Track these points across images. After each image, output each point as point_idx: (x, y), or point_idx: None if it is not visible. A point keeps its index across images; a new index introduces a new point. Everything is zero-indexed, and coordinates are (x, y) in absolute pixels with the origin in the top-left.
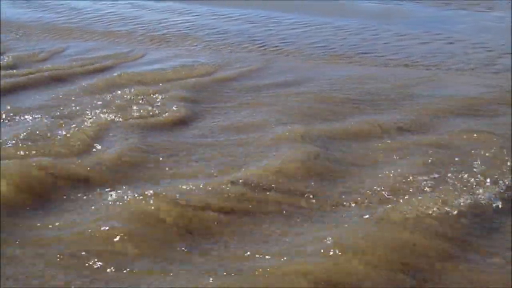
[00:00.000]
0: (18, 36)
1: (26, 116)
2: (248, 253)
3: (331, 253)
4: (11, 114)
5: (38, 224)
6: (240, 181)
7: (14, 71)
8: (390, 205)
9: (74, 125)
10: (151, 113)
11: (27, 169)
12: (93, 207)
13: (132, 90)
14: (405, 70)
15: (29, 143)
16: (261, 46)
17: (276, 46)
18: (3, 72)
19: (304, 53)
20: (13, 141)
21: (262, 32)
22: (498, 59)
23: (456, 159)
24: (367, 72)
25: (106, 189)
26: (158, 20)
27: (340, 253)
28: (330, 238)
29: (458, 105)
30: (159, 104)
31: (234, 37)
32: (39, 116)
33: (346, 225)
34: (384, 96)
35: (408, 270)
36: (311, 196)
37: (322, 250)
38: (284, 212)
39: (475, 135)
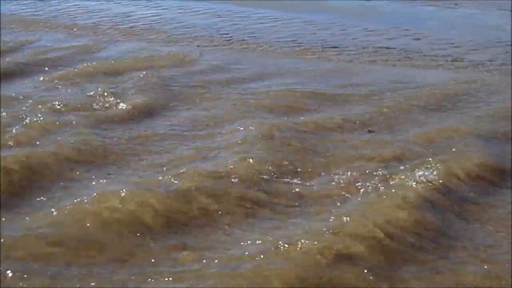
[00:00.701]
0: None
1: None
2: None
3: None
4: None
5: None
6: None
7: None
8: None
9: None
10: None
11: None
12: None
13: (95, 82)
14: (371, 66)
15: None
16: (228, 40)
17: (243, 40)
18: None
19: (272, 48)
20: None
21: (229, 27)
22: (465, 55)
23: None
24: (333, 67)
25: None
26: (125, 13)
27: None
28: None
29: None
30: (120, 96)
31: (202, 31)
32: None
33: None
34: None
35: None
36: None
37: None
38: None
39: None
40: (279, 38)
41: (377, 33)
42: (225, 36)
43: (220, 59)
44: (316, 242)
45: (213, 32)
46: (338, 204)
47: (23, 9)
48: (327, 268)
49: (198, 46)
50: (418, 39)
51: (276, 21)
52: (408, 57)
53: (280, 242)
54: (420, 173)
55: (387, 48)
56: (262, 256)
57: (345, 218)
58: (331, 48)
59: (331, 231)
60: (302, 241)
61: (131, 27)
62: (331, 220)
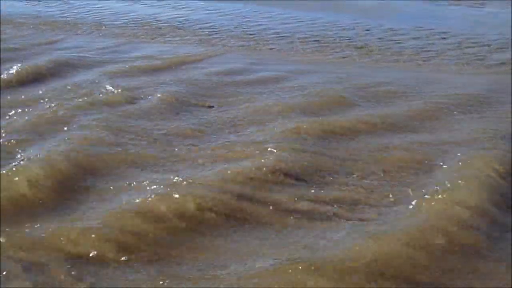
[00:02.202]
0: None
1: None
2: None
3: None
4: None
5: None
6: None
7: None
8: None
9: None
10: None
11: None
12: None
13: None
14: (397, 65)
15: None
16: (254, 40)
17: (268, 41)
18: None
19: (297, 48)
20: None
21: (255, 27)
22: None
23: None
24: (358, 67)
25: None
26: (151, 15)
27: None
28: None
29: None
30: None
31: (228, 32)
32: None
33: None
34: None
35: None
36: None
37: None
38: None
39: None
40: (304, 38)
41: (402, 33)
42: (250, 36)
43: (246, 59)
44: None
45: (239, 32)
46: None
47: (52, 10)
48: None
49: (223, 46)
50: (444, 38)
51: (300, 21)
52: (434, 57)
53: None
54: None
55: (412, 47)
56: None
57: None
58: (356, 49)
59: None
60: None
61: (158, 28)
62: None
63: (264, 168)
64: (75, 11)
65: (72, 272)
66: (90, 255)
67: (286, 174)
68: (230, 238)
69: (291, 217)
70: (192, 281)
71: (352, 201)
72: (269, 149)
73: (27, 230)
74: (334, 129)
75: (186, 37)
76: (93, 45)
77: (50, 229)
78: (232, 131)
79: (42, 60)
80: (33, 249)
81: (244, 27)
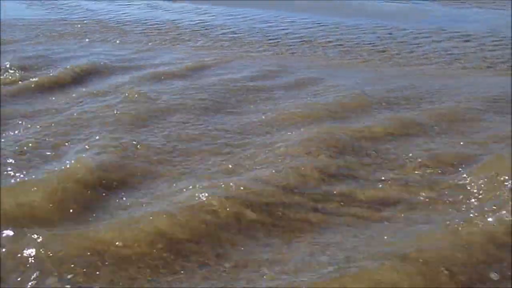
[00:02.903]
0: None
1: None
2: None
3: None
4: None
5: None
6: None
7: None
8: None
9: None
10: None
11: None
12: None
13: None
14: (420, 69)
15: None
16: (275, 45)
17: (291, 45)
18: None
19: (319, 53)
20: None
21: (277, 32)
22: None
23: None
24: (381, 71)
25: None
26: (172, 21)
27: None
28: None
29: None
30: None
31: (249, 37)
32: None
33: None
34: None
35: None
36: None
37: None
38: None
39: None
40: (326, 43)
41: (424, 36)
42: (272, 41)
43: (268, 65)
44: None
45: (261, 37)
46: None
47: (74, 17)
48: None
49: (246, 51)
50: (467, 40)
51: (322, 25)
52: (457, 59)
53: None
54: None
55: (435, 51)
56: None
57: None
58: (379, 52)
59: None
60: None
61: (179, 34)
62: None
63: (291, 174)
64: (98, 18)
65: None
66: None
67: (315, 179)
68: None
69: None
70: None
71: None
72: (295, 154)
73: None
74: (360, 133)
75: (208, 43)
76: (115, 52)
77: None
78: (257, 137)
79: (65, 68)
80: None
81: (266, 32)
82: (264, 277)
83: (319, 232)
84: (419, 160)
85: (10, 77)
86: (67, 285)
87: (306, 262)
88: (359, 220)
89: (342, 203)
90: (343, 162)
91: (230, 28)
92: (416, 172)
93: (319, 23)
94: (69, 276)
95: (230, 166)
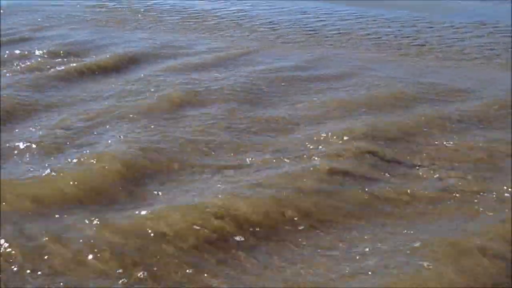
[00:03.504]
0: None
1: None
2: None
3: None
4: None
5: None
6: None
7: None
8: None
9: None
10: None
11: None
12: None
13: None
14: (459, 64)
15: None
16: (313, 37)
17: (328, 37)
18: None
19: (357, 45)
20: None
21: (314, 23)
22: None
23: None
24: (420, 65)
25: None
26: (209, 10)
27: None
28: None
29: None
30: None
31: (287, 28)
32: None
33: None
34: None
35: None
36: None
37: None
38: None
39: None
40: (364, 35)
41: (465, 30)
42: (310, 32)
43: (305, 56)
44: None
45: (298, 28)
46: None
47: (112, 5)
48: None
49: (282, 42)
50: (509, 36)
51: (360, 17)
52: (498, 55)
53: None
54: None
55: (476, 46)
56: None
57: None
58: (417, 46)
59: None
60: None
61: (216, 23)
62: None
63: (327, 167)
64: (135, 6)
65: None
66: None
67: (351, 173)
68: None
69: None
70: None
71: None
72: (332, 147)
73: None
74: (400, 127)
75: (245, 33)
76: (153, 40)
77: None
78: (294, 129)
79: (105, 55)
80: None
81: (304, 23)
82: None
83: None
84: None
85: (50, 63)
86: None
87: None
88: None
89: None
90: (387, 153)
91: (268, 19)
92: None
93: (357, 15)
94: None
95: (273, 158)
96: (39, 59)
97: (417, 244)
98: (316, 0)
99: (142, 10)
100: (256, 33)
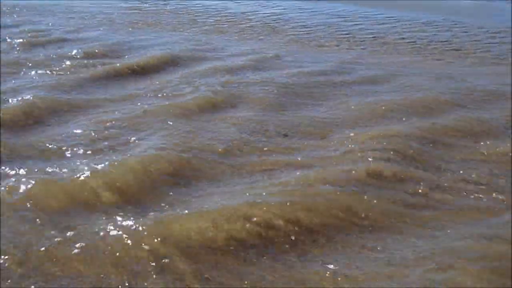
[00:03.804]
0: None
1: None
2: None
3: None
4: None
5: None
6: None
7: None
8: None
9: None
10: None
11: None
12: None
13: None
14: (495, 69)
15: None
16: (348, 41)
17: (364, 41)
18: None
19: (393, 49)
20: None
21: (350, 27)
22: None
23: None
24: (455, 70)
25: None
26: (244, 13)
27: None
28: None
29: None
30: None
31: (321, 31)
32: None
33: None
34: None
35: None
36: None
37: None
38: None
39: None
40: (399, 39)
41: (502, 35)
42: (344, 36)
43: (339, 59)
44: None
45: (333, 31)
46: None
47: (148, 6)
48: None
49: (317, 46)
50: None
51: (397, 21)
52: None
53: None
54: None
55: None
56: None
57: None
58: (452, 51)
59: None
60: None
61: (250, 26)
62: None
63: (365, 170)
64: (170, 8)
65: None
66: None
67: (388, 176)
68: None
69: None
70: None
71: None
72: (371, 151)
73: None
74: (435, 131)
75: (279, 36)
76: (187, 42)
77: None
78: (328, 132)
79: (142, 57)
80: None
81: (339, 26)
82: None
83: None
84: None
85: (87, 64)
86: None
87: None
88: None
89: None
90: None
91: (301, 22)
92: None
93: (392, 19)
94: None
95: (311, 161)
96: (77, 60)
97: None
98: (349, 3)
99: (176, 12)
100: (289, 36)
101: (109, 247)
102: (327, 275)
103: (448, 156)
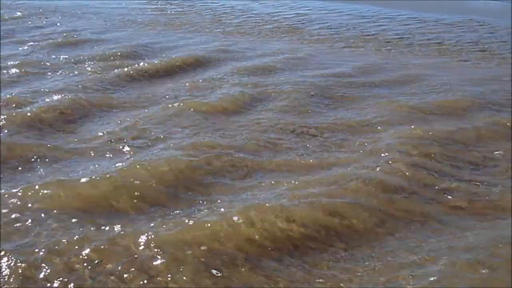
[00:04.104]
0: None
1: None
2: None
3: None
4: None
5: None
6: None
7: None
8: None
9: None
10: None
11: None
12: None
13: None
14: None
15: None
16: (372, 42)
17: (388, 42)
18: None
19: (417, 50)
20: None
21: (374, 27)
22: None
23: None
24: (483, 72)
25: None
26: (269, 14)
27: None
28: None
29: None
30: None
31: (346, 32)
32: None
33: None
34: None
35: None
36: None
37: None
38: None
39: None
40: (424, 40)
41: None
42: (369, 37)
43: (364, 61)
44: None
45: (358, 32)
46: None
47: (173, 7)
48: None
49: (342, 47)
50: None
51: (422, 22)
52: None
53: None
54: None
55: None
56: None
57: None
58: (479, 52)
59: None
60: None
61: (275, 27)
62: None
63: (390, 171)
64: (195, 9)
65: None
66: None
67: (415, 178)
68: None
69: None
70: None
71: None
72: (398, 152)
73: None
74: (460, 133)
75: (304, 37)
76: (213, 43)
77: None
78: (356, 134)
79: (170, 57)
80: None
81: (363, 28)
82: None
83: None
84: None
85: (116, 64)
86: None
87: None
88: None
89: None
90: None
91: (327, 23)
92: None
93: (418, 20)
94: None
95: (340, 161)
96: (106, 61)
97: None
98: (372, 3)
99: (202, 13)
100: (315, 37)
101: None
102: None
103: (473, 158)
